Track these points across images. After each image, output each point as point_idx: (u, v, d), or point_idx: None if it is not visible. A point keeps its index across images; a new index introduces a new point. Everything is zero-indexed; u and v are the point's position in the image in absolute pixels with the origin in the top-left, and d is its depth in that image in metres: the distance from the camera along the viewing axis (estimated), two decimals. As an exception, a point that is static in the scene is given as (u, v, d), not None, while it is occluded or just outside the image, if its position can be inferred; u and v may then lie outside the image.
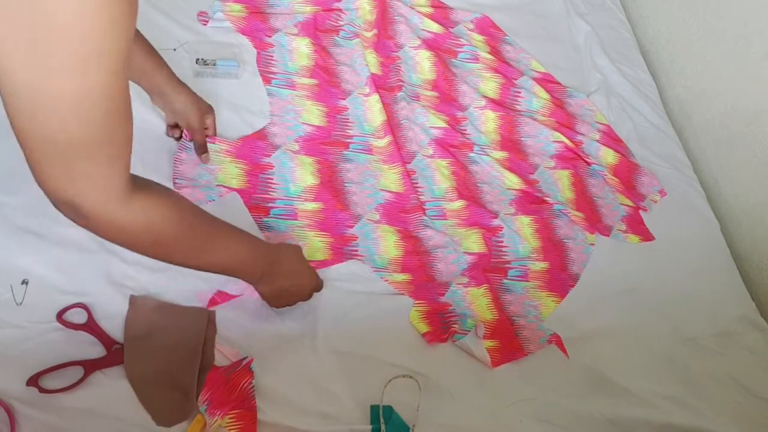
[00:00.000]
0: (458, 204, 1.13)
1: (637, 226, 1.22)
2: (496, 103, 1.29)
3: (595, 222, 1.19)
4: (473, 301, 1.03)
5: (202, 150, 1.06)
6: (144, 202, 0.61)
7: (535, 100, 1.32)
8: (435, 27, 1.37)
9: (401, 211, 1.10)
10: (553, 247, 1.13)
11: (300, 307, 0.93)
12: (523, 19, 1.48)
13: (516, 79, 1.33)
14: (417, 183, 1.15)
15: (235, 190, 1.04)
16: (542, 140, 1.26)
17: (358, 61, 1.26)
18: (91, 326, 0.86)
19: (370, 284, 1.02)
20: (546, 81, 1.37)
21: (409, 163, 1.17)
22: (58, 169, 0.54)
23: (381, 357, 0.95)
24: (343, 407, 0.89)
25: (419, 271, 1.05)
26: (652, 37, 1.58)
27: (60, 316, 0.86)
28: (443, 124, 1.22)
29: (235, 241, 0.77)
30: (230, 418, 0.83)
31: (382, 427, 0.87)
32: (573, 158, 1.25)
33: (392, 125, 1.20)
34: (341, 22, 1.32)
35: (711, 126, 1.40)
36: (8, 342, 0.83)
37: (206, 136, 1.07)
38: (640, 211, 1.23)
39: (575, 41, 1.49)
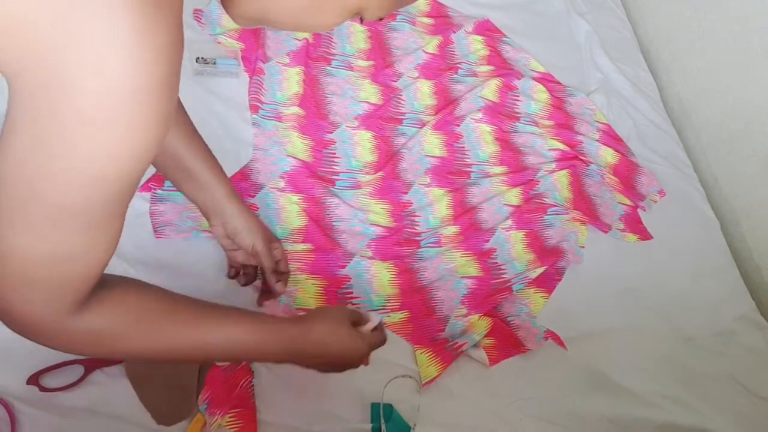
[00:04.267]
0: (453, 229, 1.10)
1: (635, 224, 1.21)
2: (494, 111, 1.27)
3: (593, 219, 1.19)
4: (471, 326, 1.01)
5: (276, 278, 0.91)
6: (97, 310, 0.54)
7: (533, 103, 1.31)
8: (434, 43, 1.33)
9: (394, 245, 1.06)
10: (545, 255, 1.12)
11: None
12: (523, 18, 1.48)
13: (515, 81, 1.33)
14: (415, 214, 1.11)
15: None
16: (538, 150, 1.25)
17: (350, 93, 1.22)
18: (91, 325, 0.86)
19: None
20: (546, 80, 1.37)
21: (406, 194, 1.13)
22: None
23: (381, 356, 0.95)
24: (343, 406, 0.90)
25: (418, 305, 1.01)
26: (653, 35, 1.57)
27: (60, 315, 0.85)
28: (441, 152, 1.19)
29: (223, 330, 0.65)
30: (230, 418, 0.83)
31: (383, 426, 0.87)
32: (571, 158, 1.25)
33: (388, 156, 1.16)
34: (333, 51, 1.27)
35: (711, 125, 1.40)
36: (8, 340, 0.83)
37: (278, 270, 0.93)
38: (639, 210, 1.23)
39: (575, 40, 1.49)
